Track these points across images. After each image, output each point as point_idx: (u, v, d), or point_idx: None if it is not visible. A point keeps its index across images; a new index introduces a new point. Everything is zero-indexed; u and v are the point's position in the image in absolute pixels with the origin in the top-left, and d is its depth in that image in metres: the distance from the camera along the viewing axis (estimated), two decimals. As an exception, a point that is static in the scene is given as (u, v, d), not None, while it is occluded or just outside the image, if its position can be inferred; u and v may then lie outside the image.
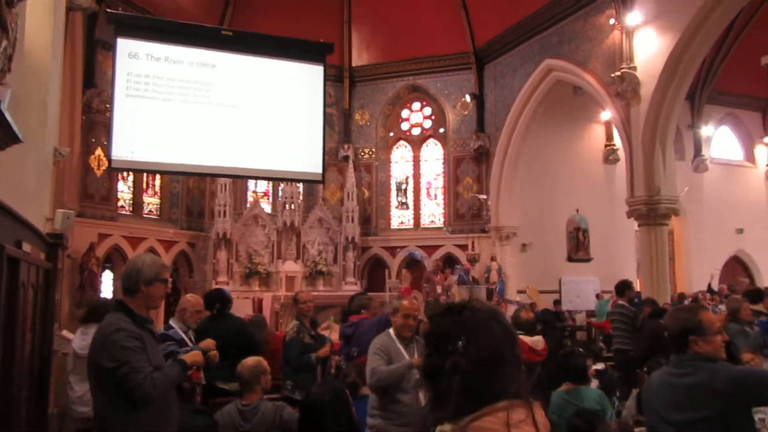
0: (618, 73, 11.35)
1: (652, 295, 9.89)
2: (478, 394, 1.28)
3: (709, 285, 14.39)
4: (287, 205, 15.06)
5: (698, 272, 15.91)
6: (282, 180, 14.20)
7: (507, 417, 1.23)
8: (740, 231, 17.13)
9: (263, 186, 16.65)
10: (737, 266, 17.52)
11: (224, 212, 14.41)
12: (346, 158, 16.70)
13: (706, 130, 17.10)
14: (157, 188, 14.65)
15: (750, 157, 18.25)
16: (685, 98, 12.23)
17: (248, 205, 15.87)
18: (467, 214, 16.28)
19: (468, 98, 16.11)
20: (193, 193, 15.14)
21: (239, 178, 14.48)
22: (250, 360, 4.05)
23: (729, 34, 14.02)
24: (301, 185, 15.35)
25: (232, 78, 9.95)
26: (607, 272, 14.56)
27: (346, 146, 16.86)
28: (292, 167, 10.76)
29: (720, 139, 18.00)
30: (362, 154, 17.20)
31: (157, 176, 14.37)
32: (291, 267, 14.75)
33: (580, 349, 4.27)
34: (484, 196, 15.48)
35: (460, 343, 1.32)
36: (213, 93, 9.75)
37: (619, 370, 6.84)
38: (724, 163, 17.60)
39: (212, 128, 9.81)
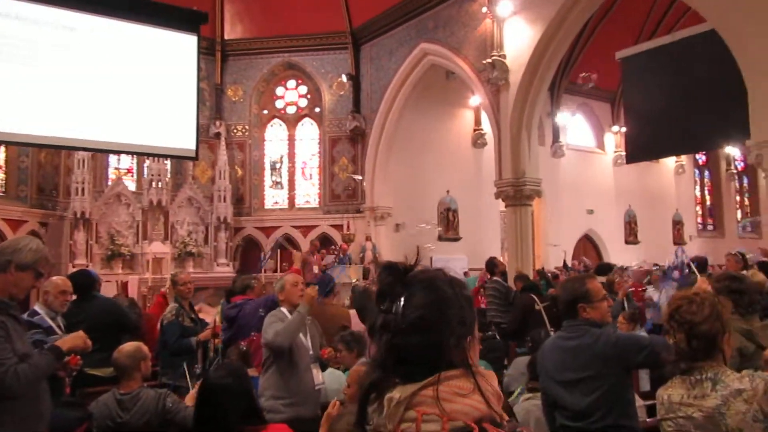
0: (489, 60, 11.83)
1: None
2: (408, 356, 1.24)
3: (564, 261, 15.57)
4: (154, 183, 14.23)
5: (555, 250, 17.16)
6: (150, 155, 13.34)
7: (455, 387, 1.21)
8: (590, 212, 18.73)
9: (127, 162, 15.56)
10: (587, 244, 19.17)
11: (82, 190, 13.31)
12: (217, 135, 16.03)
13: (562, 118, 18.39)
14: (2, 162, 13.20)
15: (600, 144, 19.95)
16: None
17: (110, 183, 14.78)
18: (343, 194, 16.34)
19: (344, 78, 16.07)
20: (45, 168, 13.79)
21: (100, 153, 13.39)
22: (128, 345, 3.77)
23: (585, 29, 15.04)
24: (168, 162, 14.54)
25: (94, 43, 9.06)
26: (474, 251, 15.31)
27: (217, 123, 16.18)
28: (161, 142, 10.11)
29: (575, 127, 19.45)
30: (235, 131, 16.61)
31: (1, 148, 12.94)
32: (158, 248, 13.98)
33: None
34: (360, 177, 15.60)
35: (396, 300, 1.27)
36: (71, 58, 8.82)
37: (494, 342, 7.22)
38: (578, 149, 19.06)
39: (70, 97, 8.91)
